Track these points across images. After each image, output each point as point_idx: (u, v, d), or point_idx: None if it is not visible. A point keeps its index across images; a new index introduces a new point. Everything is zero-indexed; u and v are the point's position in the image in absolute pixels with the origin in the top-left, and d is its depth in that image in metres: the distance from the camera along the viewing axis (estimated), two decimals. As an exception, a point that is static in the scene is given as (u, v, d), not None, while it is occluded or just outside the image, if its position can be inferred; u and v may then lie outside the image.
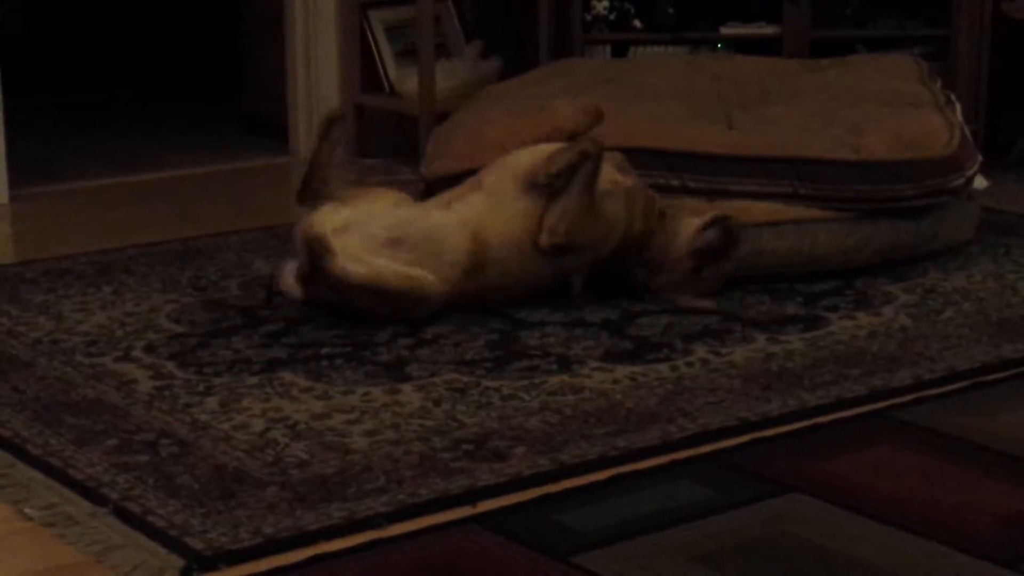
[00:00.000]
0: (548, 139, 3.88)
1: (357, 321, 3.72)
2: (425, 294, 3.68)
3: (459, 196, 3.81)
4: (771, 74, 4.71)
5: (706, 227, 3.85)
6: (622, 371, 3.44)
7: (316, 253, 3.62)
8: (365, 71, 5.68)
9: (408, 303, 3.68)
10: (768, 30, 5.42)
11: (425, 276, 3.67)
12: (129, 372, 3.45)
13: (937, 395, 3.32)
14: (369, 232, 3.69)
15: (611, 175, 3.84)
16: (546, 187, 3.75)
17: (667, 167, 4.10)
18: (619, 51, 5.60)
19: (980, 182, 4.38)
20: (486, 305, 3.77)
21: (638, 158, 4.04)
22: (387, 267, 3.64)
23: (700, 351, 3.57)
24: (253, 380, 3.39)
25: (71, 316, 3.85)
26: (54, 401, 3.28)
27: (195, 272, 4.21)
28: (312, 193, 3.79)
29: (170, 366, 3.48)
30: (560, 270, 3.81)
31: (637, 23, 5.48)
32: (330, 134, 3.84)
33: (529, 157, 3.84)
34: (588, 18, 5.44)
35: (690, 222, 3.89)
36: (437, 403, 3.25)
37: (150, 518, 2.72)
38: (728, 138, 4.19)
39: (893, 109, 4.33)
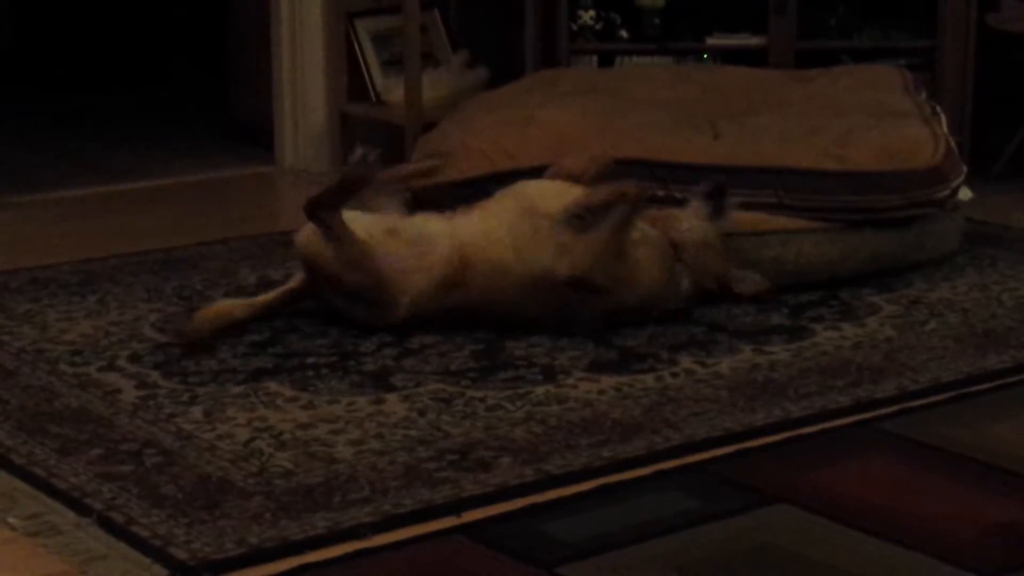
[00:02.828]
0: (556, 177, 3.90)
1: (342, 330, 3.72)
2: (403, 289, 3.67)
3: (464, 213, 3.81)
4: (757, 85, 4.72)
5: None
6: (607, 381, 3.44)
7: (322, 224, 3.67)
8: (351, 80, 5.68)
9: (387, 294, 3.67)
10: (754, 41, 5.43)
11: (407, 275, 3.67)
12: (114, 381, 3.44)
13: (922, 406, 3.32)
14: (373, 220, 3.75)
15: (656, 237, 3.82)
16: (578, 219, 3.68)
17: (653, 177, 4.10)
18: (605, 61, 5.60)
19: (965, 193, 4.39)
20: (477, 321, 3.76)
21: (624, 168, 4.04)
22: (383, 256, 3.67)
23: (685, 361, 3.57)
24: (238, 390, 3.38)
25: (55, 325, 3.84)
26: (38, 410, 3.27)
27: (180, 281, 4.20)
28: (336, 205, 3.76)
29: (155, 375, 3.48)
30: (572, 306, 3.71)
31: (623, 33, 5.48)
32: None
33: (536, 189, 3.82)
34: (574, 28, 5.44)
35: (680, 213, 3.90)
36: (422, 413, 3.25)
37: (134, 528, 2.71)
38: (713, 148, 4.20)
39: (878, 120, 4.34)
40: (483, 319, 3.74)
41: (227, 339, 3.70)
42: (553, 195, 3.79)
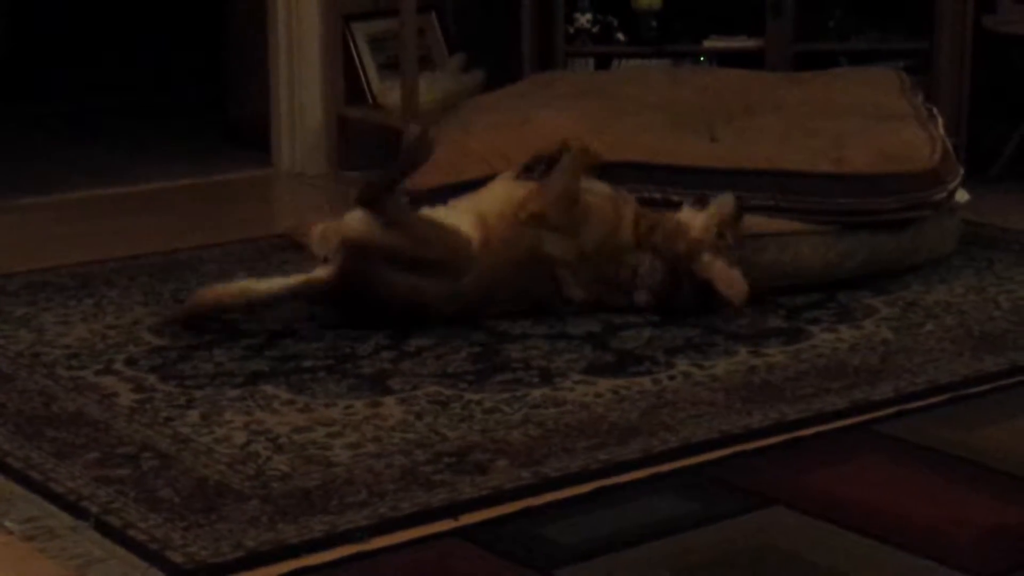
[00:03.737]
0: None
1: (339, 334, 3.72)
2: (463, 245, 3.75)
3: (452, 205, 3.92)
4: (753, 87, 4.72)
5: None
6: (604, 384, 3.44)
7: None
8: (348, 83, 5.68)
9: (461, 256, 3.74)
10: (751, 43, 5.43)
11: (461, 228, 3.77)
12: (110, 385, 3.44)
13: (918, 408, 3.32)
14: None
15: (603, 188, 3.96)
16: (527, 172, 3.94)
17: (650, 180, 4.10)
18: (602, 64, 5.60)
19: (962, 195, 4.39)
20: (482, 311, 3.79)
21: (621, 171, 4.05)
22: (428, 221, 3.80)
23: (682, 364, 3.57)
24: (235, 393, 3.38)
25: (52, 329, 3.83)
26: (35, 414, 3.27)
27: (177, 285, 4.19)
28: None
29: (151, 379, 3.47)
30: (546, 261, 3.82)
31: (620, 36, 5.48)
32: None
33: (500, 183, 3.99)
34: (571, 31, 5.44)
35: (692, 211, 3.92)
36: (419, 416, 3.25)
37: (131, 532, 2.71)
38: (710, 150, 4.20)
39: (875, 122, 4.34)
40: (501, 300, 3.80)
41: (224, 342, 3.70)
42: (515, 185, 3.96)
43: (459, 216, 3.83)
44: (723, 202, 3.92)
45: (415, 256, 3.72)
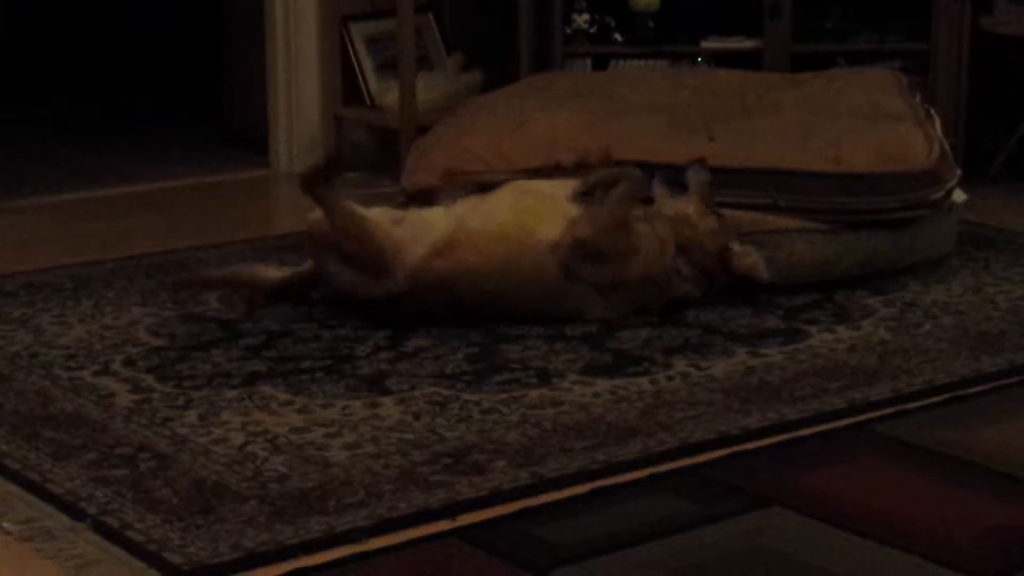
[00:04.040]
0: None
1: (337, 334, 3.72)
2: (399, 256, 3.72)
3: (465, 200, 3.90)
4: (751, 87, 4.72)
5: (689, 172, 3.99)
6: (602, 385, 3.44)
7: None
8: (346, 84, 5.68)
9: (385, 259, 3.73)
10: (749, 44, 5.43)
11: (405, 241, 3.74)
12: (108, 386, 3.44)
13: (916, 408, 3.32)
14: (379, 210, 3.83)
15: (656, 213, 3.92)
16: (585, 195, 3.83)
17: (648, 180, 4.09)
18: (600, 64, 5.60)
19: (959, 195, 4.39)
20: (473, 313, 3.77)
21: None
22: (382, 221, 3.77)
23: (680, 364, 3.57)
24: (232, 394, 3.38)
25: (50, 329, 3.83)
26: (32, 415, 3.27)
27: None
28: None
29: (149, 379, 3.47)
30: (577, 284, 3.78)
31: (618, 37, 5.48)
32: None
33: (535, 182, 3.92)
34: (569, 31, 5.44)
35: (674, 199, 3.94)
36: (417, 416, 3.25)
37: (129, 532, 2.71)
38: (708, 151, 4.19)
39: (873, 122, 4.34)
40: (476, 306, 3.75)
41: (222, 343, 3.70)
42: (551, 184, 3.89)
43: (433, 222, 3.79)
44: (697, 179, 3.96)
45: (346, 250, 3.75)
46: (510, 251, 3.75)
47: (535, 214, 3.80)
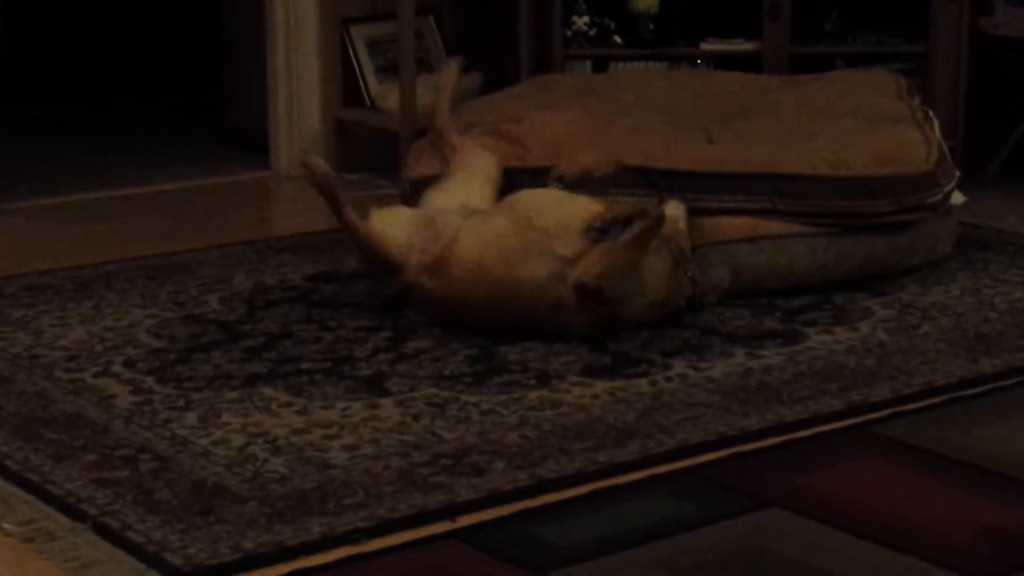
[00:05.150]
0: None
1: (337, 336, 3.73)
2: (403, 269, 3.79)
3: (481, 212, 3.87)
4: (750, 90, 4.72)
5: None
6: (601, 386, 3.45)
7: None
8: (346, 86, 5.69)
9: (392, 266, 3.82)
10: (747, 46, 5.44)
11: (404, 257, 3.79)
12: (108, 387, 3.44)
13: (915, 410, 3.33)
14: (412, 213, 3.92)
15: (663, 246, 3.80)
16: (599, 232, 3.66)
17: (647, 183, 4.10)
18: (599, 66, 5.60)
19: (958, 197, 4.40)
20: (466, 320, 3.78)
21: (618, 174, 4.05)
22: (384, 234, 3.83)
23: (679, 366, 3.57)
24: (233, 395, 3.39)
25: (50, 331, 3.84)
26: (33, 416, 3.28)
27: (175, 287, 4.20)
28: None
29: (149, 381, 3.48)
30: (563, 315, 3.69)
31: (617, 39, 5.49)
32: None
33: (535, 201, 3.80)
34: (568, 34, 5.45)
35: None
36: (416, 418, 3.25)
37: (129, 534, 2.71)
38: (707, 153, 4.20)
39: (872, 125, 4.35)
40: (467, 318, 3.75)
41: (222, 344, 3.70)
42: (551, 207, 3.77)
43: (447, 232, 3.79)
44: (673, 215, 3.89)
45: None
46: (496, 284, 3.69)
47: (522, 253, 3.67)
